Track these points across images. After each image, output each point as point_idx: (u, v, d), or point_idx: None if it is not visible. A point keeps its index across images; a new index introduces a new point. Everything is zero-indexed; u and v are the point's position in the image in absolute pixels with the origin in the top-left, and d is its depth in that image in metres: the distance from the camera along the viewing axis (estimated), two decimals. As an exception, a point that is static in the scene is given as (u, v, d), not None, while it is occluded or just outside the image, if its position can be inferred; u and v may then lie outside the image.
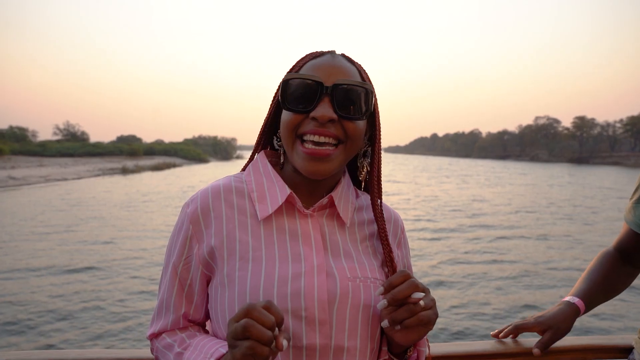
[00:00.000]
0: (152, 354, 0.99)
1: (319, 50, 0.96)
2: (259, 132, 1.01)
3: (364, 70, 0.96)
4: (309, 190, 0.96)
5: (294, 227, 0.91)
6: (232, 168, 65.60)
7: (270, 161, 1.00)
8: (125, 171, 48.44)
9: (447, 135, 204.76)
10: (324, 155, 0.86)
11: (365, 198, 1.04)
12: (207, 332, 0.99)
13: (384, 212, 1.01)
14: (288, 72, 0.94)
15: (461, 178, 45.05)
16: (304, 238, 0.91)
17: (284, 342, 0.71)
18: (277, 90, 0.94)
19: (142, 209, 20.21)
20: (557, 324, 1.29)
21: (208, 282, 0.94)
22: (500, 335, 1.38)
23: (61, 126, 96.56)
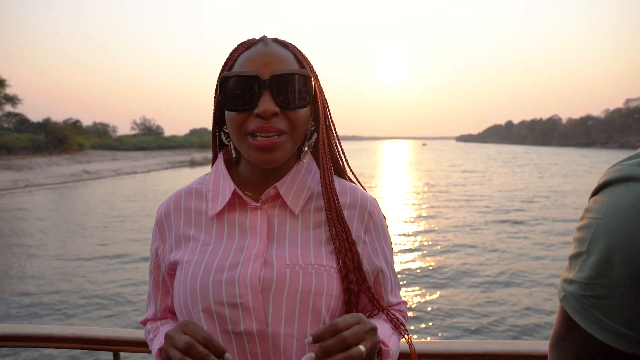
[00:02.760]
0: None
1: (250, 38, 0.94)
2: (212, 132, 1.03)
3: (300, 52, 0.94)
4: (263, 181, 0.97)
5: (243, 219, 0.94)
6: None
7: (227, 159, 1.02)
8: (193, 163, 49.53)
9: (523, 123, 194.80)
10: (272, 145, 0.87)
11: (338, 183, 1.00)
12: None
13: (348, 195, 0.99)
14: (222, 69, 0.93)
15: (536, 167, 41.87)
16: (252, 229, 0.93)
17: None
18: (217, 88, 0.94)
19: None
20: None
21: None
22: None
23: (138, 121, 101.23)
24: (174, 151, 67.77)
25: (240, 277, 0.87)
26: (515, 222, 15.50)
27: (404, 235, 13.73)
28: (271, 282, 0.87)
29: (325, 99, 0.99)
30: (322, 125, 0.98)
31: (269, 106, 0.85)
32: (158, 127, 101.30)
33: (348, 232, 0.94)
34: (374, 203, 1.01)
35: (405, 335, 0.99)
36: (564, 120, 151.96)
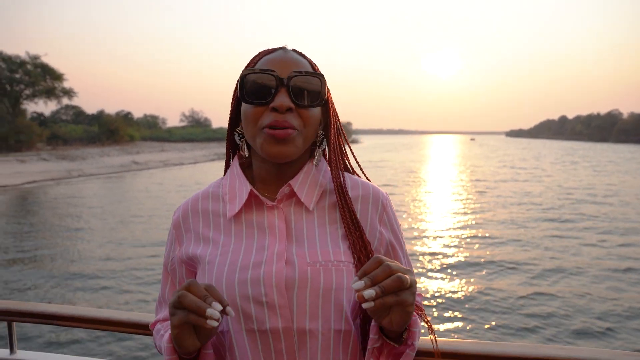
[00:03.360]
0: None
1: (271, 47, 1.02)
2: (227, 134, 1.06)
3: (314, 63, 1.02)
4: (277, 181, 1.00)
5: (261, 219, 0.97)
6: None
7: (242, 163, 1.06)
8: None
9: (578, 118, 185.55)
10: (286, 136, 0.91)
11: (349, 179, 1.04)
12: None
13: (358, 190, 1.02)
14: (244, 70, 0.98)
15: (592, 164, 39.72)
16: (270, 229, 0.96)
17: (214, 312, 0.75)
18: (236, 87, 1.00)
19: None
20: None
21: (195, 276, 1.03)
22: None
23: (187, 113, 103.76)
24: (221, 143, 68.49)
25: (266, 276, 0.90)
26: (565, 221, 14.92)
27: (442, 230, 13.37)
28: (294, 281, 0.90)
29: (335, 108, 1.05)
30: (333, 128, 1.03)
31: (284, 101, 0.91)
32: (206, 119, 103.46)
33: (362, 230, 0.97)
34: (386, 196, 1.05)
35: (425, 319, 1.01)
36: (625, 115, 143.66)
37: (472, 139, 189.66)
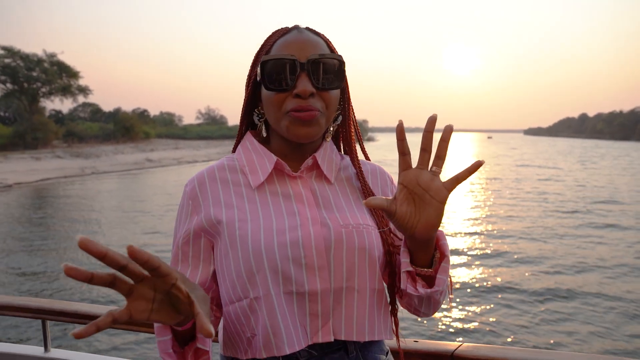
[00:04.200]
0: None
1: (283, 27, 1.02)
2: (241, 114, 1.06)
3: (329, 41, 1.02)
4: (296, 157, 1.02)
5: (285, 189, 0.99)
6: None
7: (257, 140, 1.05)
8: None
9: (599, 115, 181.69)
10: (311, 118, 0.93)
11: (348, 160, 1.10)
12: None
13: (367, 166, 1.09)
14: (258, 53, 1.01)
15: (618, 163, 38.60)
16: (296, 197, 0.98)
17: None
18: (250, 71, 1.02)
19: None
20: None
21: (212, 246, 0.98)
22: None
23: (203, 111, 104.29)
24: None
25: (304, 239, 0.92)
26: (590, 224, 14.38)
27: (454, 230, 12.95)
28: (330, 242, 0.93)
29: (348, 84, 1.07)
30: (351, 107, 1.07)
31: (307, 86, 0.92)
32: (222, 117, 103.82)
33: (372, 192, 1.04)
34: (386, 171, 1.12)
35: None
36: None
37: (489, 137, 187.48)
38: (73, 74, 46.93)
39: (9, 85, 43.98)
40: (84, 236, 0.58)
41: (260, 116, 1.03)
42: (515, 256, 10.64)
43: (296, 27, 1.00)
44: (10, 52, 43.54)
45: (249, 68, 1.03)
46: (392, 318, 1.02)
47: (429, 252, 0.93)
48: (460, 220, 15.12)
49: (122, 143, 48.26)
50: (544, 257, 10.48)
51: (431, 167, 0.87)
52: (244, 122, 1.07)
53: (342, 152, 1.13)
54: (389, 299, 1.01)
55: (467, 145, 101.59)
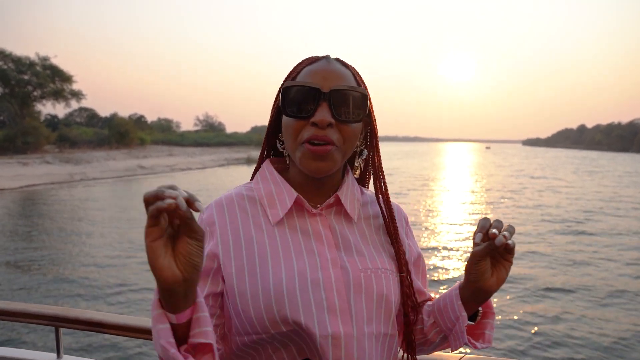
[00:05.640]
0: None
1: (314, 55, 1.01)
2: (264, 138, 1.07)
3: (358, 74, 1.01)
4: (315, 190, 1.00)
5: (305, 226, 0.97)
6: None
7: (275, 168, 1.04)
8: (249, 161, 48.93)
9: (597, 127, 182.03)
10: (324, 153, 0.91)
11: (370, 194, 1.10)
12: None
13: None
14: (286, 79, 0.99)
15: (615, 174, 38.03)
16: (316, 235, 0.96)
17: (173, 192, 0.66)
18: (277, 96, 1.01)
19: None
20: None
21: (223, 280, 0.93)
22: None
23: (201, 117, 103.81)
24: (232, 148, 68.29)
25: (325, 281, 0.90)
26: (582, 233, 14.39)
27: (450, 240, 12.61)
28: (350, 286, 0.92)
29: (375, 121, 1.06)
30: (375, 144, 1.06)
31: (325, 116, 0.90)
32: (220, 123, 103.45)
33: (400, 240, 1.02)
34: (403, 211, 1.11)
35: None
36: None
37: (487, 148, 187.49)
38: (66, 78, 46.29)
39: (-1, 89, 43.31)
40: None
41: (282, 143, 1.01)
42: (521, 273, 10.22)
43: (326, 57, 0.99)
44: (1, 54, 42.93)
45: (276, 93, 1.01)
46: (410, 356, 1.04)
47: (477, 307, 0.97)
48: (457, 231, 14.84)
49: (115, 149, 47.46)
50: (540, 273, 10.23)
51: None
52: (265, 149, 1.05)
53: (364, 186, 1.12)
54: (400, 340, 1.03)
55: (466, 155, 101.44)
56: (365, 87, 1.00)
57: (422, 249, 12.25)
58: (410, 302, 1.00)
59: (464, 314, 0.94)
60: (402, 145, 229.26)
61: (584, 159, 79.11)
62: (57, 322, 1.63)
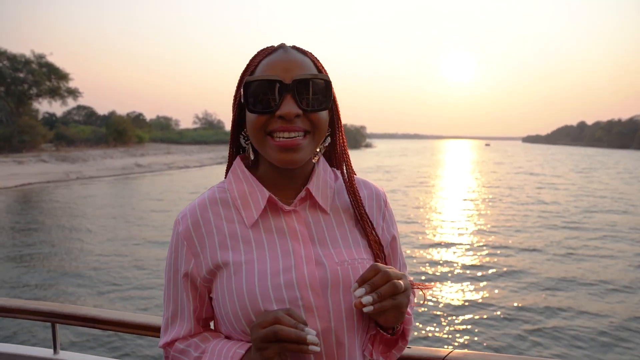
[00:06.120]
0: None
1: (269, 46, 0.98)
2: (230, 137, 1.05)
3: (317, 59, 0.99)
4: (288, 184, 1.00)
5: (280, 225, 0.97)
6: (363, 156, 67.85)
7: (246, 164, 1.03)
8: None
9: (598, 124, 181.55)
10: (294, 145, 0.91)
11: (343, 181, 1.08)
12: (216, 332, 1.04)
13: (364, 188, 1.06)
14: (243, 74, 0.98)
15: (613, 171, 37.85)
16: (291, 234, 0.96)
17: (313, 337, 0.81)
18: (237, 92, 0.99)
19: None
20: None
21: (209, 291, 0.99)
22: None
23: (200, 115, 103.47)
24: (230, 146, 67.83)
25: (299, 280, 0.90)
26: (580, 229, 14.26)
27: (448, 236, 12.48)
28: (327, 281, 0.92)
29: (338, 106, 1.04)
30: (341, 129, 1.04)
31: (292, 109, 0.88)
32: (219, 121, 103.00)
33: (373, 227, 1.01)
34: (384, 193, 1.10)
35: (419, 287, 1.05)
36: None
37: (487, 145, 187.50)
38: (62, 76, 45.91)
39: (-6, 87, 43.07)
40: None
41: (246, 138, 1.00)
42: (505, 269, 10.24)
43: (282, 47, 0.96)
44: (-5, 52, 42.58)
45: (235, 89, 0.99)
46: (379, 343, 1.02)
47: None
48: (453, 231, 14.74)
49: (113, 147, 47.23)
50: (534, 269, 10.19)
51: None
52: (233, 146, 1.04)
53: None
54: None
55: (465, 153, 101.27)
56: (326, 73, 0.97)
57: (422, 245, 12.53)
58: None
59: (371, 324, 0.97)
60: (402, 143, 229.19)
61: (584, 156, 78.94)
62: (54, 318, 1.67)
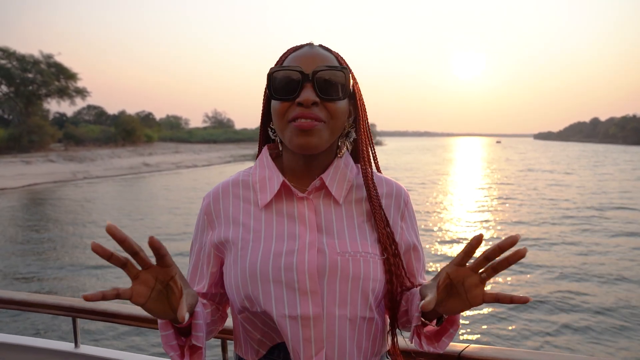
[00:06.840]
0: None
1: (298, 44, 1.06)
2: (260, 128, 1.13)
3: (341, 57, 1.06)
4: (306, 173, 1.05)
5: (291, 210, 1.02)
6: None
7: (272, 153, 1.10)
8: (256, 157, 48.45)
9: (611, 120, 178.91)
10: (310, 127, 0.95)
11: (374, 176, 1.09)
12: (214, 305, 1.11)
13: (384, 185, 1.08)
14: (273, 66, 1.05)
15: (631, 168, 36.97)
16: (300, 219, 1.00)
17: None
18: (267, 85, 1.05)
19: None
20: None
21: (222, 263, 1.06)
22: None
23: (210, 114, 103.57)
24: (240, 144, 67.79)
25: (298, 264, 0.94)
26: (594, 230, 13.72)
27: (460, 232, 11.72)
28: (325, 268, 0.95)
29: (364, 102, 1.08)
30: (363, 122, 1.08)
31: (310, 96, 0.95)
32: (229, 120, 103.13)
33: (387, 222, 1.02)
34: (406, 193, 1.11)
35: None
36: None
37: (498, 142, 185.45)
38: (70, 76, 45.91)
39: (3, 88, 43.28)
40: (111, 222, 0.75)
41: (273, 130, 1.06)
42: (523, 261, 10.02)
43: (309, 44, 1.04)
44: (5, 52, 42.73)
45: (265, 85, 1.04)
46: (393, 339, 1.04)
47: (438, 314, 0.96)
48: (468, 223, 14.69)
49: (121, 147, 47.23)
50: (550, 263, 10.19)
51: (482, 272, 0.85)
52: (262, 136, 1.11)
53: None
54: (388, 324, 1.04)
55: (476, 150, 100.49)
56: (350, 69, 1.02)
57: (439, 240, 12.37)
58: (394, 282, 0.99)
59: (417, 314, 0.94)
60: (412, 140, 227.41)
61: (596, 152, 77.68)
62: (74, 312, 1.70)
